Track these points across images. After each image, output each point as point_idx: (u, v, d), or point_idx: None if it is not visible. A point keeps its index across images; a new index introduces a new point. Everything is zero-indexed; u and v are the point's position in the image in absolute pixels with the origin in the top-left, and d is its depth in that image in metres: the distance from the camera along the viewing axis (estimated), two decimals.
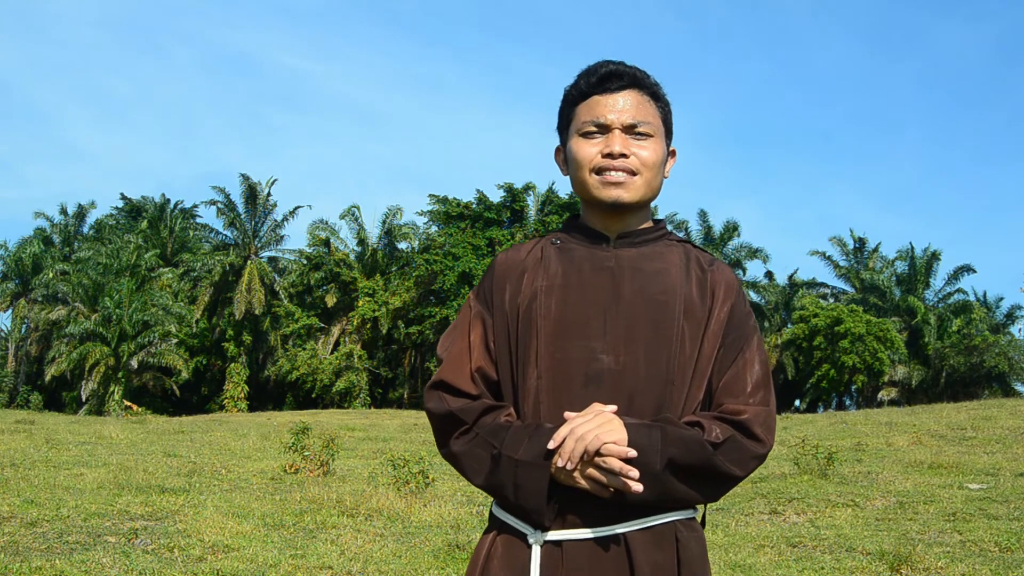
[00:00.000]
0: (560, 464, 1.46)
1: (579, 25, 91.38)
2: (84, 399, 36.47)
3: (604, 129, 1.62)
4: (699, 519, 1.63)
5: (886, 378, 38.35)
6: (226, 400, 38.57)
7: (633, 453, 1.45)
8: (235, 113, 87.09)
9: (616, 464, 1.45)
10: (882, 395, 39.08)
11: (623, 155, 1.60)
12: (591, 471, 1.48)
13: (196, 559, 5.71)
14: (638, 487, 1.45)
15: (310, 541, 6.45)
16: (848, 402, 41.08)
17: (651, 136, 1.62)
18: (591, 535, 1.52)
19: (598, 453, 1.46)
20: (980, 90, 79.06)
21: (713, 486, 1.55)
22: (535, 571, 1.51)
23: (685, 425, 1.53)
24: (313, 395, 39.02)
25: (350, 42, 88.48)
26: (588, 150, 1.62)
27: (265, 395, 42.29)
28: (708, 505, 1.96)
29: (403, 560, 5.90)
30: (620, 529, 1.52)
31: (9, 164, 77.65)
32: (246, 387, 39.43)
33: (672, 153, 1.72)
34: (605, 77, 1.62)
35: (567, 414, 1.50)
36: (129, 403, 32.77)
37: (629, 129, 1.61)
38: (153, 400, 38.40)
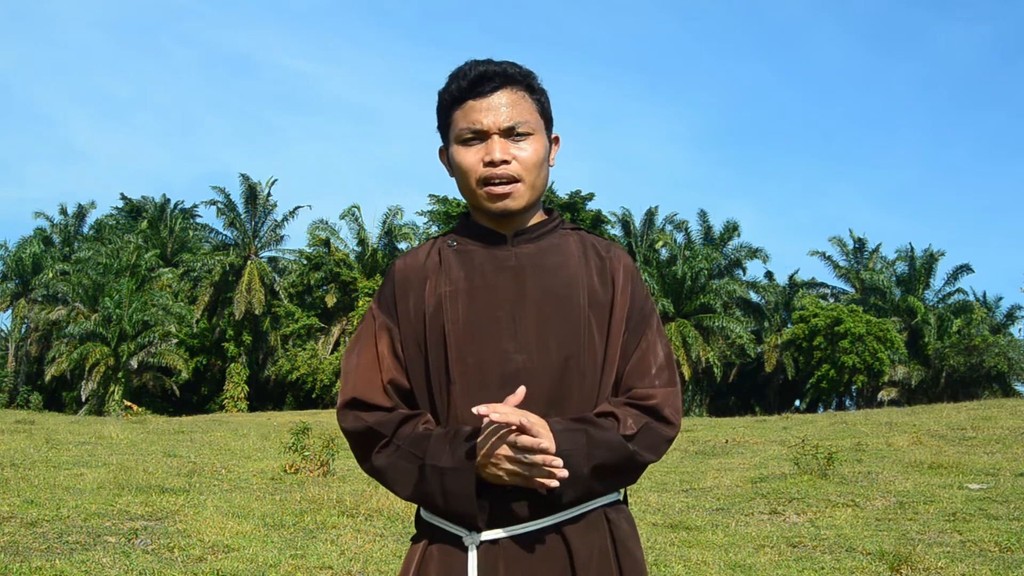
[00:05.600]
0: (482, 411, 1.44)
1: (578, 25, 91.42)
2: (84, 399, 36.48)
3: (482, 135, 1.60)
4: (622, 498, 1.67)
5: (886, 378, 38.35)
6: (226, 400, 38.58)
7: (550, 447, 1.47)
8: (235, 113, 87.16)
9: (539, 458, 1.46)
10: (882, 395, 39.07)
11: (504, 161, 1.59)
12: (511, 466, 1.49)
13: (196, 559, 5.70)
14: (564, 472, 1.47)
15: (310, 541, 6.45)
16: (848, 402, 41.08)
17: (531, 135, 1.61)
18: (526, 530, 1.54)
19: (518, 448, 1.47)
20: (979, 90, 79.11)
21: (631, 476, 1.61)
22: (472, 572, 1.52)
23: (604, 423, 1.55)
24: (313, 395, 39.02)
25: (350, 43, 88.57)
26: (470, 159, 1.61)
27: (265, 395, 42.28)
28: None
29: (403, 560, 5.89)
30: (554, 521, 1.54)
31: (9, 164, 77.70)
32: (246, 387, 39.44)
33: (555, 140, 1.71)
34: (476, 81, 1.60)
35: (484, 407, 1.46)
36: (129, 403, 32.75)
37: (507, 132, 1.60)
38: (153, 400, 38.39)
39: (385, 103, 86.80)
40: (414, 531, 1.70)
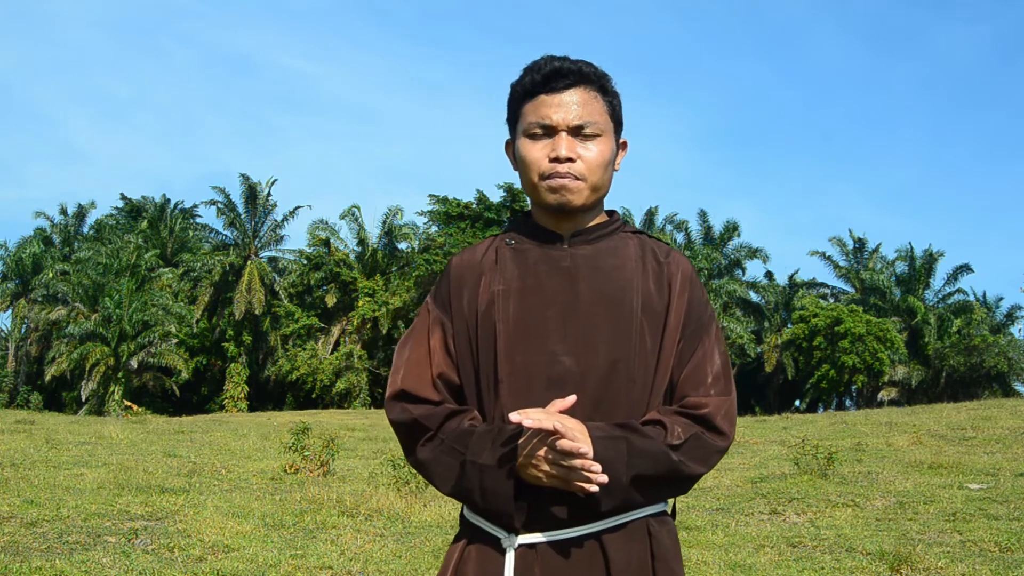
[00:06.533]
0: (515, 419, 1.44)
1: (578, 25, 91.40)
2: (84, 399, 36.48)
3: (550, 131, 1.59)
4: (669, 511, 1.64)
5: (886, 378, 38.35)
6: (226, 400, 38.57)
7: (588, 451, 1.45)
8: (235, 113, 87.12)
9: (577, 462, 1.45)
10: (882, 395, 39.07)
11: (569, 159, 1.58)
12: (550, 468, 1.48)
13: (196, 559, 5.71)
14: (603, 478, 1.45)
15: (310, 541, 6.45)
16: (848, 402, 41.09)
17: (599, 136, 1.60)
18: (564, 536, 1.52)
19: (557, 452, 1.46)
20: (979, 90, 79.12)
21: (678, 487, 1.57)
22: (509, 574, 1.51)
23: (648, 431, 1.52)
24: (313, 395, 39.02)
25: (349, 43, 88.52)
26: (535, 153, 1.60)
27: (265, 395, 42.28)
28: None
29: (403, 560, 5.90)
30: (593, 528, 1.52)
31: (9, 164, 77.68)
32: (246, 387, 39.44)
33: (623, 145, 1.70)
34: (550, 76, 1.59)
35: (516, 413, 1.45)
36: (129, 403, 32.75)
37: (576, 131, 1.59)
38: (153, 400, 38.40)
39: (385, 103, 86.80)
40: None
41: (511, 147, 1.69)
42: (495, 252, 1.67)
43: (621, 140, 1.69)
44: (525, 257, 1.64)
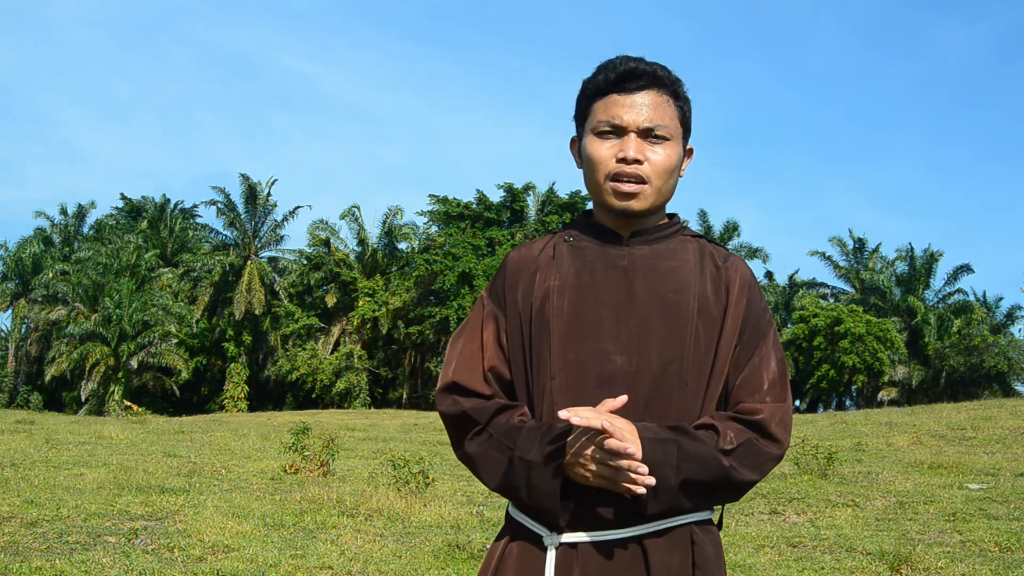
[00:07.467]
0: (564, 416, 1.43)
1: (578, 25, 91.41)
2: (84, 399, 36.49)
3: (620, 131, 1.58)
4: (715, 520, 1.62)
5: (886, 378, 38.35)
6: (226, 400, 38.58)
7: (636, 452, 1.44)
8: (235, 113, 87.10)
9: (624, 463, 1.44)
10: (882, 395, 39.08)
11: (637, 161, 1.57)
12: (596, 467, 1.47)
13: (196, 559, 5.71)
14: (650, 480, 1.44)
15: (310, 541, 6.45)
16: (848, 402, 41.09)
17: (667, 140, 1.59)
18: (607, 537, 1.51)
19: (604, 451, 1.45)
20: (979, 90, 79.11)
21: (728, 494, 1.56)
22: (550, 573, 1.50)
23: (700, 435, 1.51)
24: (313, 395, 39.03)
25: (350, 43, 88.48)
26: (602, 152, 1.59)
27: (265, 395, 42.29)
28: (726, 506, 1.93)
29: (403, 560, 5.90)
30: (636, 532, 1.51)
31: (9, 164, 77.67)
32: (246, 387, 39.44)
33: (689, 152, 1.69)
34: (624, 76, 1.58)
35: (566, 411, 1.45)
36: (129, 403, 32.75)
37: (645, 133, 1.58)
38: (153, 400, 38.40)
39: (385, 103, 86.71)
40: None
41: (576, 144, 1.68)
42: (552, 248, 1.67)
43: (688, 147, 1.69)
44: (583, 254, 1.63)
